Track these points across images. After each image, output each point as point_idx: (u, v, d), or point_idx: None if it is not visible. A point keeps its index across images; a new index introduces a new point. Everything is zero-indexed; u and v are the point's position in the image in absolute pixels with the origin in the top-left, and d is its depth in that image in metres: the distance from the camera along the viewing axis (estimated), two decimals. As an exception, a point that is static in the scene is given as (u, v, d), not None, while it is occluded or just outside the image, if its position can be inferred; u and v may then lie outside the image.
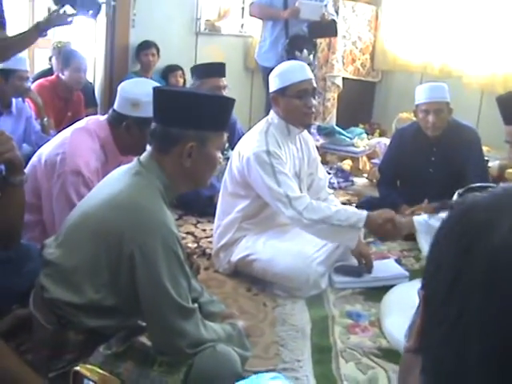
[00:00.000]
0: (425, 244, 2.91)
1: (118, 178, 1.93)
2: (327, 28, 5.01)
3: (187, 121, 1.87)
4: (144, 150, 2.45)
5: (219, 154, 2.00)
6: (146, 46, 5.43)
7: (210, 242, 3.50)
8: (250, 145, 2.95)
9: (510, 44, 5.37)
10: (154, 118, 1.93)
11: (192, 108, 1.88)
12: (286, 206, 2.85)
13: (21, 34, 2.52)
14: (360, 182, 5.45)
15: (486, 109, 5.72)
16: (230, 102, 1.99)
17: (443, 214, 2.38)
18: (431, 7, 6.09)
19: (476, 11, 5.62)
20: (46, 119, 4.24)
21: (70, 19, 2.48)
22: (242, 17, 6.19)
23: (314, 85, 3.08)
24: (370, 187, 5.25)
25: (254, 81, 6.23)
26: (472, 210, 0.76)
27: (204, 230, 3.74)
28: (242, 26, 6.21)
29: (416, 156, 3.90)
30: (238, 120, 4.71)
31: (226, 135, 2.01)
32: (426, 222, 2.90)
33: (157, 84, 2.65)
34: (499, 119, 5.47)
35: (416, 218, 2.95)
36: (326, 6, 4.97)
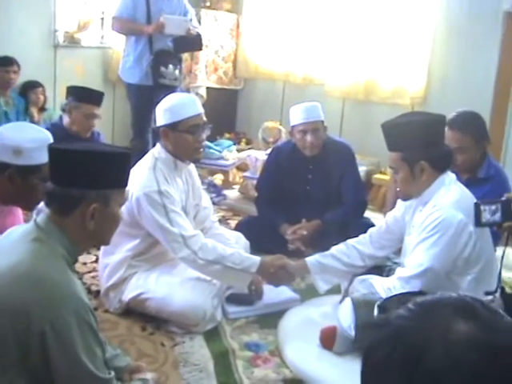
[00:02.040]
0: (321, 283, 3.00)
1: (15, 244, 1.83)
2: (193, 42, 5.01)
3: (88, 181, 1.82)
4: (28, 200, 2.37)
5: (121, 209, 1.96)
6: (7, 63, 5.09)
7: (94, 278, 3.43)
8: (138, 183, 2.89)
9: (372, 52, 5.68)
10: (51, 179, 1.86)
11: (92, 167, 1.83)
12: (180, 246, 2.86)
13: None
14: (231, 195, 5.51)
15: (349, 116, 6.01)
16: (129, 156, 1.96)
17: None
18: (292, 16, 6.28)
19: (337, 21, 5.87)
20: None
21: None
22: (102, 28, 6.04)
23: (205, 119, 3.08)
24: (242, 200, 5.33)
25: (116, 94, 6.12)
26: (401, 335, 0.84)
27: (85, 264, 3.62)
28: (102, 37, 6.06)
29: (293, 174, 4.02)
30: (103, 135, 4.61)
31: (127, 190, 1.97)
32: (319, 262, 3.00)
33: (39, 128, 2.55)
34: (362, 126, 5.82)
35: (308, 260, 3.03)
36: (190, 20, 4.98)
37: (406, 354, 0.79)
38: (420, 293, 1.29)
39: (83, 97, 4.03)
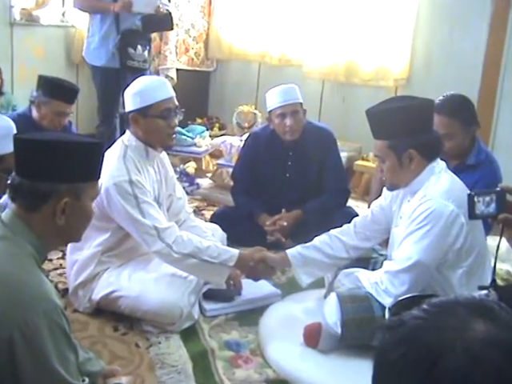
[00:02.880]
0: (303, 276, 2.99)
1: (-22, 243, 1.80)
2: (163, 21, 4.96)
3: (59, 174, 1.79)
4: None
5: (93, 204, 1.94)
6: None
7: (61, 275, 3.39)
8: (107, 173, 2.84)
9: (352, 31, 5.66)
10: (18, 172, 1.82)
11: (62, 159, 1.79)
12: (154, 239, 2.83)
13: None
14: (205, 183, 5.49)
15: (328, 99, 6.00)
16: (100, 147, 1.93)
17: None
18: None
19: (313, 1, 5.84)
20: None
21: None
22: (63, 5, 5.92)
23: (176, 103, 3.06)
24: (215, 189, 5.31)
25: (80, 77, 6.02)
26: (417, 335, 0.86)
27: (51, 260, 3.58)
28: (64, 14, 5.94)
29: (272, 161, 4.02)
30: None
31: (100, 183, 1.95)
32: (301, 254, 2.99)
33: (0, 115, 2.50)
34: (342, 110, 5.81)
35: (289, 252, 3.01)
36: (160, -3, 4.93)
37: (423, 354, 0.82)
38: (432, 295, 1.31)
39: (54, 92, 3.85)
